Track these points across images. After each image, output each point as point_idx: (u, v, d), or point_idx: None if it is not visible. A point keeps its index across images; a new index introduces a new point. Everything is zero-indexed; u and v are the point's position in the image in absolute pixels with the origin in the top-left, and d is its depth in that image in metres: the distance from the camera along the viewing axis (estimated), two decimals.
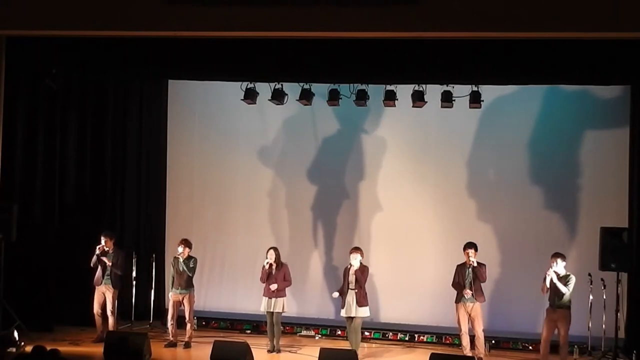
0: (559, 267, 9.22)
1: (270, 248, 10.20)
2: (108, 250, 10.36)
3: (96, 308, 10.43)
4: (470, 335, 9.80)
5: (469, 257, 9.61)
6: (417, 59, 9.59)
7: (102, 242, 10.34)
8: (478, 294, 9.63)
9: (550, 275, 9.14)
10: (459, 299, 9.68)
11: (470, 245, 9.69)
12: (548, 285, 9.20)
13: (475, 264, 9.59)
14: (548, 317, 9.38)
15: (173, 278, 10.36)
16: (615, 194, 10.60)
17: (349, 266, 9.83)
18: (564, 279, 9.19)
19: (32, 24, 9.41)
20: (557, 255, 9.31)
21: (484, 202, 11.06)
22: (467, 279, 9.61)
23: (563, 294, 9.19)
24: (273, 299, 10.08)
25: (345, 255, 10.13)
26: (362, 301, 9.72)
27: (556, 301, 9.23)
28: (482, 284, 9.67)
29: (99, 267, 10.36)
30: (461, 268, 9.73)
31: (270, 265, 10.09)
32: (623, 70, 9.48)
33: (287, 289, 10.23)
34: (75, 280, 11.03)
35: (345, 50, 9.50)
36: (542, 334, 9.45)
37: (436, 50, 9.39)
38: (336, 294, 9.94)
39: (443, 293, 10.28)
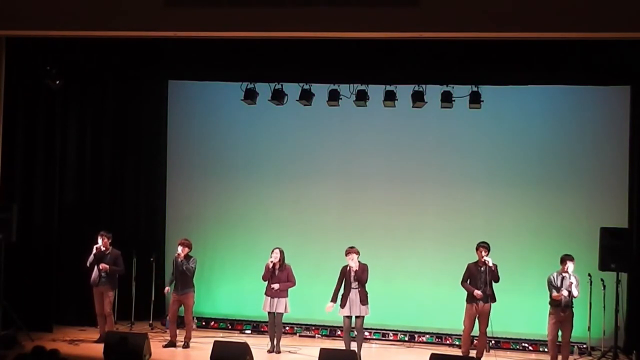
0: (571, 269, 9.24)
1: (276, 248, 10.19)
2: (105, 250, 10.35)
3: (98, 308, 10.42)
4: (472, 336, 9.79)
5: (482, 256, 9.51)
6: (417, 59, 9.61)
7: (99, 241, 10.33)
8: (491, 294, 9.55)
9: (572, 281, 9.17)
10: (471, 299, 9.56)
11: (483, 244, 9.62)
12: (566, 293, 9.22)
13: (491, 264, 9.48)
14: (557, 319, 9.34)
15: (174, 278, 10.35)
16: (615, 194, 10.61)
17: (348, 268, 9.76)
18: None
19: (32, 24, 9.39)
20: (570, 258, 9.28)
21: (484, 202, 11.07)
22: (480, 279, 9.52)
23: (575, 297, 9.26)
24: (275, 299, 10.08)
25: None
26: (364, 300, 9.66)
27: (566, 303, 9.26)
28: (494, 284, 9.60)
29: (95, 267, 10.33)
30: (474, 267, 9.63)
31: (274, 264, 10.10)
32: (623, 70, 9.50)
33: (288, 289, 10.22)
34: (75, 280, 11.03)
35: (345, 50, 9.51)
36: (549, 336, 9.42)
37: (436, 50, 9.41)
38: (330, 306, 9.76)
39: (443, 293, 10.28)
